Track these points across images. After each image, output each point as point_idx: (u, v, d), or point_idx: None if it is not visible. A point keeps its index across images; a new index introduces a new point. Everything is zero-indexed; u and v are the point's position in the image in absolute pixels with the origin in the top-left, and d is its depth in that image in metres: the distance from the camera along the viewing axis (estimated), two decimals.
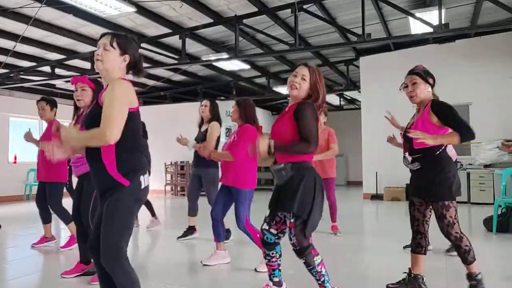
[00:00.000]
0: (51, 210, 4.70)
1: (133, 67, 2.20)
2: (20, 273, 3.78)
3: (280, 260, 2.81)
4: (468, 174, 8.53)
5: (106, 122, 1.95)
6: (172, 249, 4.86)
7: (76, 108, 3.62)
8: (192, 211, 5.11)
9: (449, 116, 2.72)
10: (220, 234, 3.94)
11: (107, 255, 2.04)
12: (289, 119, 2.56)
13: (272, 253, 2.76)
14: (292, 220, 2.53)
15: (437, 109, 2.77)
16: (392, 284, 3.04)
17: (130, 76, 2.26)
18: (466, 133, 2.64)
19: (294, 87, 2.59)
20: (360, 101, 11.81)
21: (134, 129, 2.10)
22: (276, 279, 2.84)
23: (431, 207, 2.87)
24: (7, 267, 4.09)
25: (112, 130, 1.94)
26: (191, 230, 5.23)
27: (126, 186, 2.05)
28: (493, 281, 3.30)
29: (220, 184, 3.96)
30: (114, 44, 2.11)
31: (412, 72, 2.92)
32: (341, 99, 14.94)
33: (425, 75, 2.88)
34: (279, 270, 2.84)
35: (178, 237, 5.21)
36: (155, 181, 12.08)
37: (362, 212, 8.29)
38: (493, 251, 4.37)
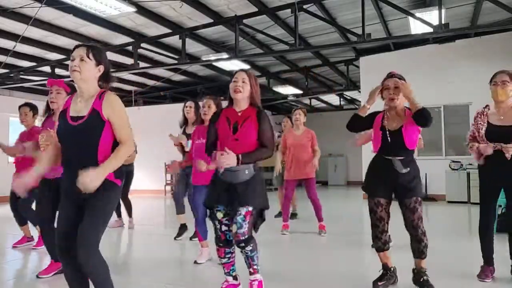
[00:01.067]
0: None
1: (105, 76, 2.32)
2: (20, 273, 3.79)
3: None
4: (468, 174, 8.52)
5: (128, 134, 2.24)
6: (172, 249, 4.86)
7: (48, 109, 3.66)
8: (181, 209, 5.19)
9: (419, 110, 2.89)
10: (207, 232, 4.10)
11: (89, 248, 2.12)
12: (255, 125, 2.81)
13: (232, 249, 2.92)
14: (250, 209, 2.73)
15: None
16: (380, 281, 3.14)
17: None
18: (427, 116, 2.84)
19: (238, 91, 2.82)
20: (360, 101, 11.81)
21: None
22: (234, 273, 3.01)
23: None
24: (7, 267, 4.10)
25: (131, 141, 2.24)
26: (184, 228, 5.32)
27: (119, 185, 2.25)
28: (493, 281, 3.30)
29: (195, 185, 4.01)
30: (90, 55, 2.23)
31: (394, 76, 3.02)
32: (341, 99, 14.94)
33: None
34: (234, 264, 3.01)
35: (175, 237, 5.28)
36: (155, 181, 12.09)
37: (362, 212, 8.28)
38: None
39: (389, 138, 2.98)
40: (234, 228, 2.73)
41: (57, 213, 2.32)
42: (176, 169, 4.29)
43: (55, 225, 2.34)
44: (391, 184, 3.01)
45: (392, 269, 3.18)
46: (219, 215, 2.87)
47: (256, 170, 2.83)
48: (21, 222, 4.87)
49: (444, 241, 4.85)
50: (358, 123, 3.25)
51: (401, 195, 2.98)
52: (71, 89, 3.43)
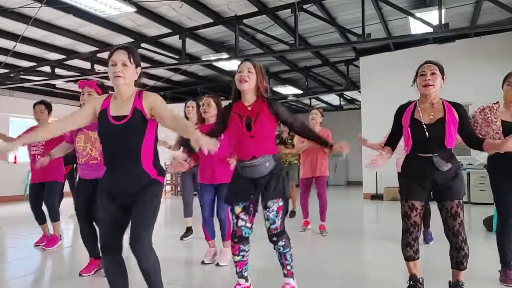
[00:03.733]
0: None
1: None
2: (20, 273, 3.79)
3: None
4: (468, 174, 8.53)
5: (173, 111, 2.24)
6: (172, 248, 4.86)
7: None
8: (189, 212, 5.20)
9: (470, 123, 2.70)
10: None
11: (145, 244, 2.21)
12: (269, 118, 2.74)
13: (247, 247, 2.84)
14: (281, 204, 2.70)
15: (462, 113, 2.67)
16: None
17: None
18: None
19: (244, 81, 2.71)
20: (360, 101, 11.81)
21: (157, 136, 2.40)
22: (246, 274, 2.91)
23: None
24: (7, 267, 4.09)
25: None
26: (189, 230, 5.32)
27: (162, 183, 2.35)
28: (493, 281, 3.30)
29: (198, 184, 4.00)
30: (132, 60, 2.27)
31: (431, 62, 2.73)
32: (341, 99, 14.94)
33: (443, 71, 2.74)
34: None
35: (181, 238, 5.29)
36: None
37: (362, 212, 8.29)
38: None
39: (427, 133, 2.61)
40: (266, 224, 2.72)
41: (102, 213, 2.34)
42: (178, 166, 4.25)
43: (100, 225, 2.38)
44: (428, 185, 2.67)
45: (421, 280, 2.80)
46: (237, 209, 2.78)
47: (276, 161, 2.76)
48: (41, 220, 4.80)
49: (443, 241, 4.84)
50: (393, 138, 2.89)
51: (441, 196, 2.65)
52: (103, 90, 3.44)
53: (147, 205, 2.24)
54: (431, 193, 2.73)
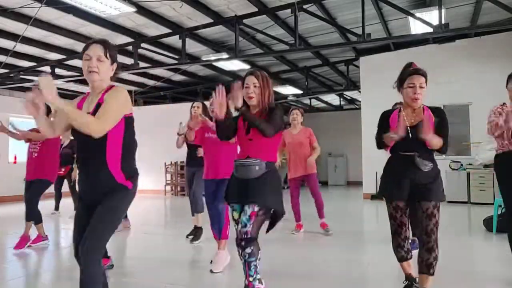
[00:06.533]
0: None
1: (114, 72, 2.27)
2: (20, 273, 3.79)
3: None
4: (468, 174, 8.52)
5: (102, 117, 2.02)
6: (172, 249, 4.87)
7: None
8: (200, 209, 5.10)
9: (445, 127, 2.76)
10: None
11: (95, 249, 2.03)
12: None
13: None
14: (256, 210, 2.65)
15: (440, 115, 2.78)
16: None
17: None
18: (445, 147, 2.73)
19: (251, 98, 2.79)
20: (360, 101, 11.81)
21: (133, 134, 2.23)
22: (259, 276, 2.91)
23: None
24: (7, 267, 4.09)
25: (104, 126, 2.02)
26: (200, 230, 5.13)
27: (130, 189, 2.17)
28: (493, 281, 3.30)
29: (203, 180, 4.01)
30: (107, 55, 2.16)
31: (421, 73, 2.77)
32: (341, 99, 14.94)
33: (427, 79, 2.80)
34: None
35: (192, 241, 5.05)
36: (155, 181, 12.08)
37: (362, 212, 8.29)
38: (493, 251, 4.38)
39: (410, 134, 2.70)
40: (238, 226, 2.69)
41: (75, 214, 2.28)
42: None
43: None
44: (408, 184, 2.70)
45: (416, 279, 2.80)
46: (235, 215, 2.83)
47: (269, 168, 2.75)
48: (37, 220, 4.81)
49: (444, 241, 4.85)
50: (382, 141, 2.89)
51: (419, 196, 2.68)
52: None
53: (105, 216, 2.09)
54: (410, 193, 2.73)
